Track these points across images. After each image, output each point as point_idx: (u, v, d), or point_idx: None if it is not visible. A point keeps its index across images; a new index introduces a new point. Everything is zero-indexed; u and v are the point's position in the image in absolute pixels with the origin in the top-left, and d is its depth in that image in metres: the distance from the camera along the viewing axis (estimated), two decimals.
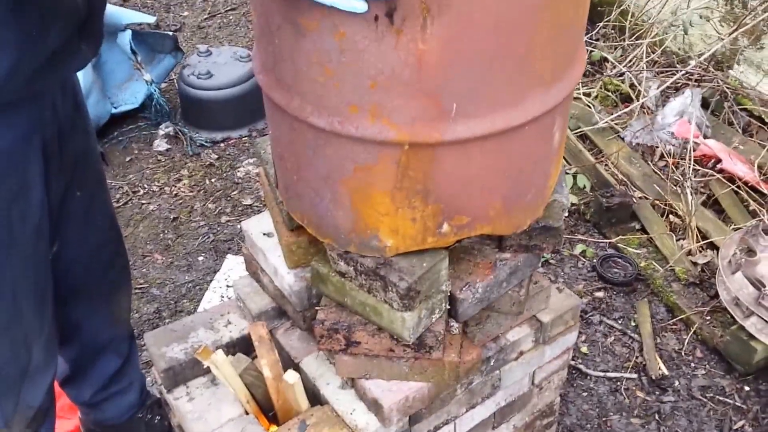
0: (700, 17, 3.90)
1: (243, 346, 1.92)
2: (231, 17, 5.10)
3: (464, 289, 1.60)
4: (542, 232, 1.66)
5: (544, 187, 1.61)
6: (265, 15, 1.33)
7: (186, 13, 5.15)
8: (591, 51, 4.10)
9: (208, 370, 1.81)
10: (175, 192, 3.45)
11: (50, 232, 1.60)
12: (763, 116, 3.64)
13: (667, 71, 3.88)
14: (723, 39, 3.61)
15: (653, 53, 3.84)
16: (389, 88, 1.27)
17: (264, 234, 1.86)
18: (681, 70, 3.69)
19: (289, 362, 1.82)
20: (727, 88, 3.71)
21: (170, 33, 3.97)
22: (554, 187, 1.68)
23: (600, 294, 2.87)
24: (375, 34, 1.20)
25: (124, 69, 3.87)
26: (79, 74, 1.65)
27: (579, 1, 1.34)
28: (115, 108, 3.85)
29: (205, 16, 5.09)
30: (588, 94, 3.94)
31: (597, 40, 4.25)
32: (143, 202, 3.40)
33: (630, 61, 3.83)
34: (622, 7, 4.17)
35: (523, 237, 1.66)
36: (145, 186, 3.49)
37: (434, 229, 1.47)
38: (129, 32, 3.74)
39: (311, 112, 1.37)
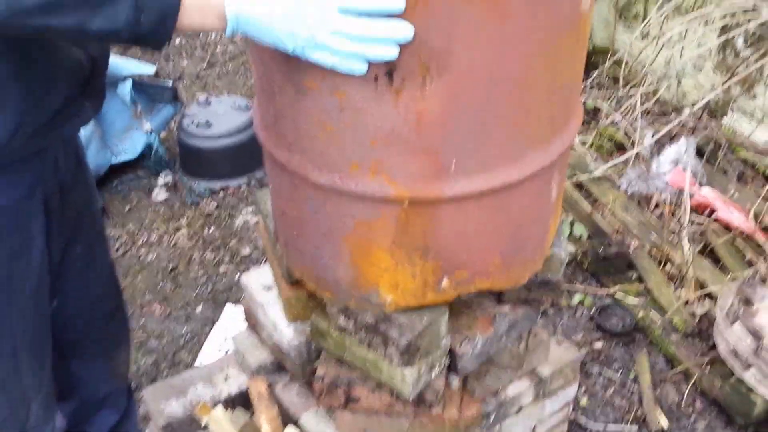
0: (693, 67, 3.97)
1: (242, 400, 1.91)
2: (230, 66, 5.16)
3: (464, 343, 1.60)
4: (541, 286, 1.66)
5: (543, 241, 1.62)
6: (266, 74, 1.36)
7: (185, 63, 5.22)
8: (585, 99, 4.15)
9: (207, 426, 1.79)
10: (173, 242, 3.46)
11: (50, 287, 1.60)
12: (757, 165, 3.68)
13: (661, 119, 3.92)
14: (716, 89, 3.66)
15: (647, 101, 3.88)
16: (389, 145, 1.29)
17: (263, 287, 1.86)
18: (675, 119, 3.74)
19: (288, 418, 1.80)
20: (721, 136, 3.75)
21: (170, 83, 4.01)
22: (553, 241, 1.69)
23: (599, 344, 2.85)
24: (375, 93, 1.22)
25: (124, 119, 3.89)
26: None
27: (574, 59, 1.36)
28: (115, 157, 3.86)
29: (205, 66, 5.16)
30: (584, 143, 3.97)
31: (592, 88, 4.30)
32: (142, 252, 3.40)
33: (624, 110, 3.87)
34: (615, 57, 4.23)
35: (522, 291, 1.66)
36: (144, 236, 3.50)
37: (434, 284, 1.48)
38: (129, 82, 3.78)
39: (312, 169, 1.38)
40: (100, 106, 1.55)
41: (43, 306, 1.59)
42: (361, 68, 1.15)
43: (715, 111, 3.97)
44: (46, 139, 1.42)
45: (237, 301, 3.03)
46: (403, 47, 1.14)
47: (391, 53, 1.13)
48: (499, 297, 1.67)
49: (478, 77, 1.20)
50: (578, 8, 1.24)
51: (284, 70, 1.28)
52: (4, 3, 1.05)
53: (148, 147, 3.92)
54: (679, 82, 3.92)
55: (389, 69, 1.18)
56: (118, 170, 3.91)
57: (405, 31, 1.11)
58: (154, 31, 1.11)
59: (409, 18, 1.11)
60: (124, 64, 3.83)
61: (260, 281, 1.88)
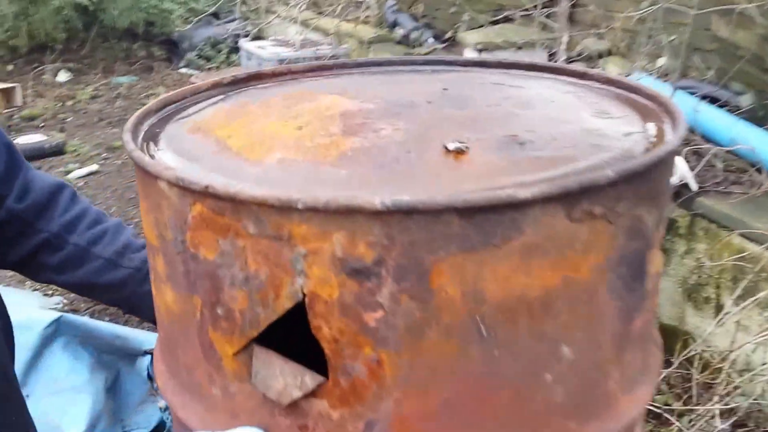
0: None
1: None
2: None
3: None
4: None
5: None
6: None
7: None
8: (654, 396, 3.68)
9: None
10: None
11: None
12: None
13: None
14: None
15: (727, 411, 3.39)
16: None
17: None
18: None
19: None
20: None
21: None
22: None
23: None
24: None
25: (141, 393, 3.65)
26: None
27: None
28: None
29: None
30: None
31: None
32: None
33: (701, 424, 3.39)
34: (687, 348, 3.80)
35: None
36: None
37: None
38: (148, 357, 3.53)
39: None
40: None
41: None
42: None
43: None
44: None
45: None
46: None
47: None
48: None
49: None
50: None
51: None
52: None
53: (161, 424, 3.61)
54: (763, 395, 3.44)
55: None
56: None
57: None
58: None
59: None
60: (146, 338, 3.61)
61: None
